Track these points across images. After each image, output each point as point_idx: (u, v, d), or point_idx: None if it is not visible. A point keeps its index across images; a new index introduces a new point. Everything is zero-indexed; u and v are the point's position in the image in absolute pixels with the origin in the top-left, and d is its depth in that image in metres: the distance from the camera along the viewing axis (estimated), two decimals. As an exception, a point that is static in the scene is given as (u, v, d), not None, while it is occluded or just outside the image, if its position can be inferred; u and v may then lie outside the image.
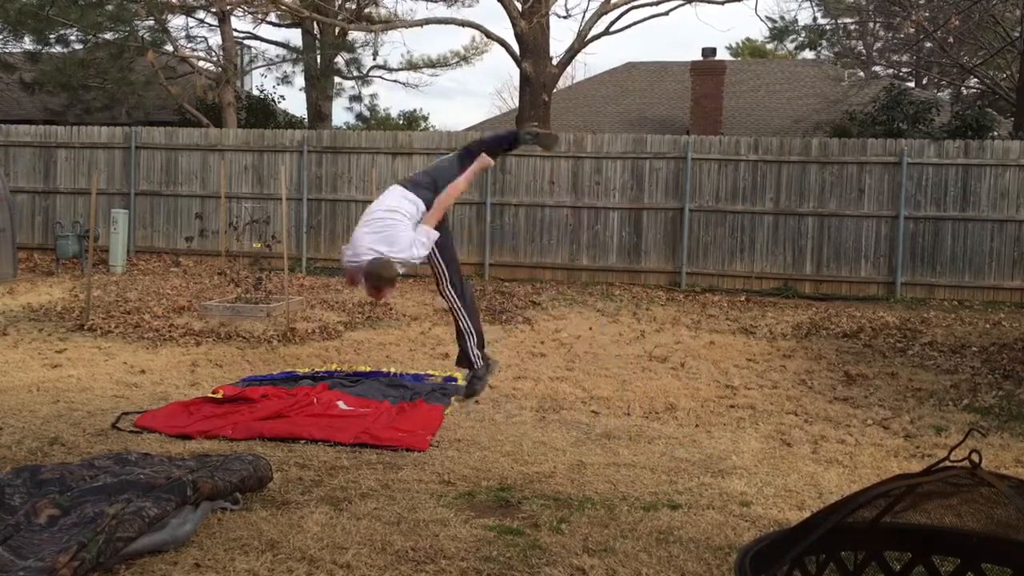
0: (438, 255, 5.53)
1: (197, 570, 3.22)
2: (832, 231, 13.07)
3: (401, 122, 36.14)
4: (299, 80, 21.35)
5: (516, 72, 17.08)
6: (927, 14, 17.62)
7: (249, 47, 21.74)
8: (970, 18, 16.99)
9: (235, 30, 19.46)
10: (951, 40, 18.25)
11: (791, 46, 24.99)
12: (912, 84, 24.63)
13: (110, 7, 17.04)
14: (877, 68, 23.06)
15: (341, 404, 5.79)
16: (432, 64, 23.24)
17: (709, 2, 16.94)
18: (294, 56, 20.79)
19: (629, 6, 16.63)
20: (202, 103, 19.42)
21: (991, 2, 16.71)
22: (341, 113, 78.32)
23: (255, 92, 23.92)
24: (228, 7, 17.45)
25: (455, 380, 6.78)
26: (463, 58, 23.01)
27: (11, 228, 12.24)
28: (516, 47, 16.45)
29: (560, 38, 77.35)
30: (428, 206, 5.46)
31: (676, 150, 13.40)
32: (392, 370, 7.06)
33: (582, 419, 5.74)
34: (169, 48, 18.53)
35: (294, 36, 28.98)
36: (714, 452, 5.04)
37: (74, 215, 14.50)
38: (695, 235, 13.34)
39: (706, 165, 13.30)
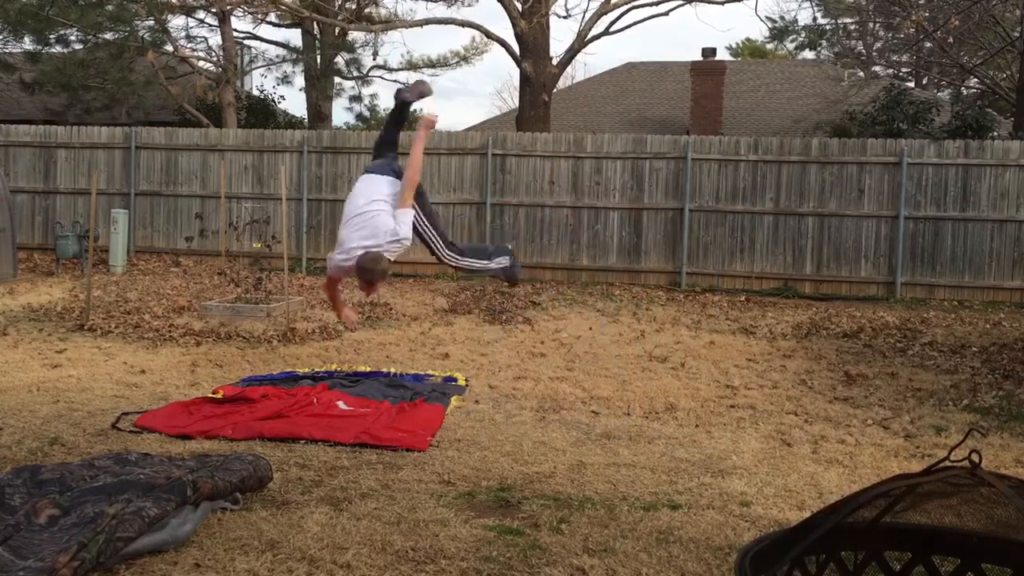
0: (425, 223, 5.59)
1: (197, 570, 3.22)
2: (832, 231, 13.07)
3: (401, 122, 36.08)
4: (299, 80, 21.36)
5: (516, 72, 17.09)
6: (927, 14, 17.61)
7: (249, 47, 21.75)
8: (970, 18, 17.00)
9: (235, 30, 19.46)
10: (951, 40, 18.24)
11: (791, 46, 25.00)
12: (912, 84, 24.64)
13: (110, 7, 17.04)
14: (877, 68, 23.07)
15: (341, 404, 5.79)
16: (432, 64, 23.24)
17: (709, 2, 16.95)
18: (294, 56, 20.79)
19: (629, 6, 16.63)
20: (202, 103, 19.42)
21: (991, 2, 16.71)
22: (341, 113, 78.36)
23: (255, 92, 23.92)
24: (228, 7, 17.44)
25: (455, 380, 6.79)
26: (463, 58, 23.01)
27: (11, 228, 12.24)
28: (516, 47, 16.46)
29: (560, 38, 77.40)
30: (400, 175, 5.57)
31: (676, 150, 13.40)
32: (392, 370, 7.06)
33: (582, 419, 5.74)
34: (169, 48, 18.53)
35: (294, 36, 28.96)
36: (714, 452, 5.04)
37: (74, 215, 14.50)
38: (695, 235, 13.34)
39: (706, 165, 13.30)
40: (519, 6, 16.09)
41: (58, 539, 3.19)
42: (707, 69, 21.37)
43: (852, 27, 22.46)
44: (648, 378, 7.09)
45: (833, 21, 22.31)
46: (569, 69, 24.49)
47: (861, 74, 22.81)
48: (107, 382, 6.48)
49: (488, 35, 17.21)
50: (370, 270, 5.30)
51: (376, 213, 5.45)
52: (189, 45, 19.42)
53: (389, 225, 5.37)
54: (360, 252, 5.28)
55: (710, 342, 8.87)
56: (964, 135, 15.81)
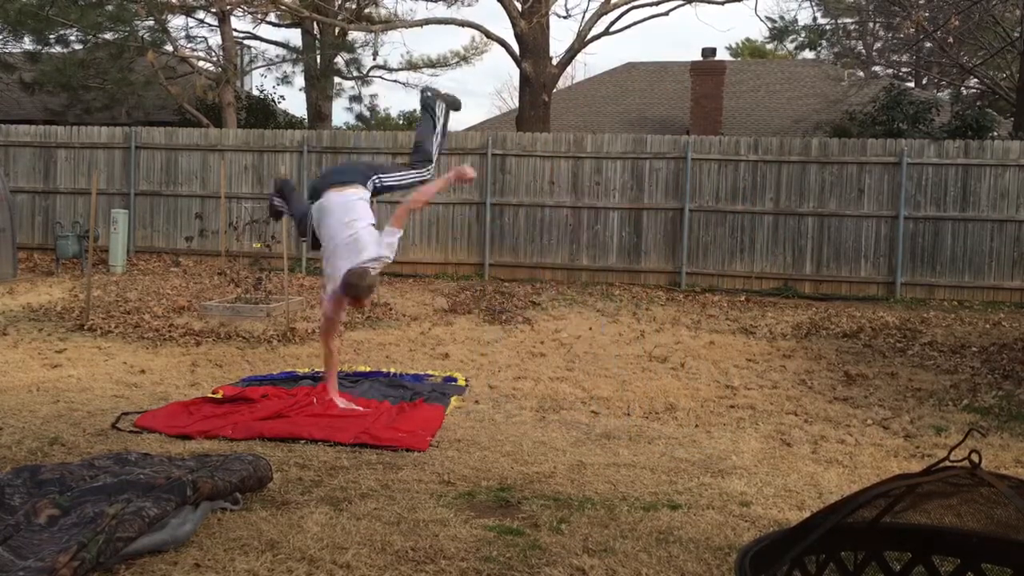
0: (389, 190, 6.07)
1: (197, 570, 3.22)
2: (832, 231, 13.07)
3: (401, 122, 36.16)
4: (299, 80, 21.36)
5: (516, 72, 17.08)
6: (927, 14, 17.61)
7: (249, 47, 21.75)
8: (970, 18, 17.00)
9: (235, 30, 19.46)
10: (951, 40, 18.24)
11: (791, 46, 25.00)
12: (912, 84, 24.64)
13: (110, 7, 17.04)
14: (877, 68, 23.07)
15: (341, 404, 5.78)
16: (432, 64, 23.24)
17: (709, 2, 16.96)
18: (294, 56, 20.79)
19: (629, 6, 16.64)
20: (202, 103, 19.42)
21: (991, 2, 16.71)
22: (341, 113, 78.34)
23: (255, 92, 23.92)
24: (228, 7, 17.44)
25: (455, 380, 6.78)
26: (463, 58, 23.02)
27: (11, 228, 12.24)
28: (516, 47, 16.46)
29: (560, 38, 77.41)
30: (365, 181, 5.69)
31: (676, 150, 13.40)
32: (392, 370, 7.06)
33: (582, 419, 5.74)
34: (169, 48, 18.53)
35: (294, 36, 28.95)
36: (714, 452, 5.04)
37: (74, 215, 14.50)
38: (695, 235, 13.34)
39: (706, 165, 13.30)
40: (519, 6, 16.09)
41: (58, 539, 3.19)
42: (707, 69, 21.38)
43: (852, 27, 22.46)
44: (648, 378, 7.09)
45: (833, 21, 22.31)
46: (569, 69, 24.50)
47: (861, 74, 22.81)
48: (107, 382, 6.48)
49: (488, 35, 17.21)
50: (355, 285, 5.48)
51: (358, 231, 5.70)
52: (189, 45, 19.44)
53: (373, 239, 5.69)
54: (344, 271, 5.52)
55: (710, 342, 8.87)
56: (964, 135, 15.81)
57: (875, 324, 10.15)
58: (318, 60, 20.53)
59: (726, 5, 17.04)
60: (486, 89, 79.80)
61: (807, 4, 32.13)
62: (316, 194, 5.91)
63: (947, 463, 2.02)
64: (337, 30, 19.64)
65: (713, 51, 22.33)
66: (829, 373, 7.53)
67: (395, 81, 25.12)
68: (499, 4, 16.17)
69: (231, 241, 13.50)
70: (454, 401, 6.08)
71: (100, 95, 18.04)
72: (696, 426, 5.67)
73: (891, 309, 11.62)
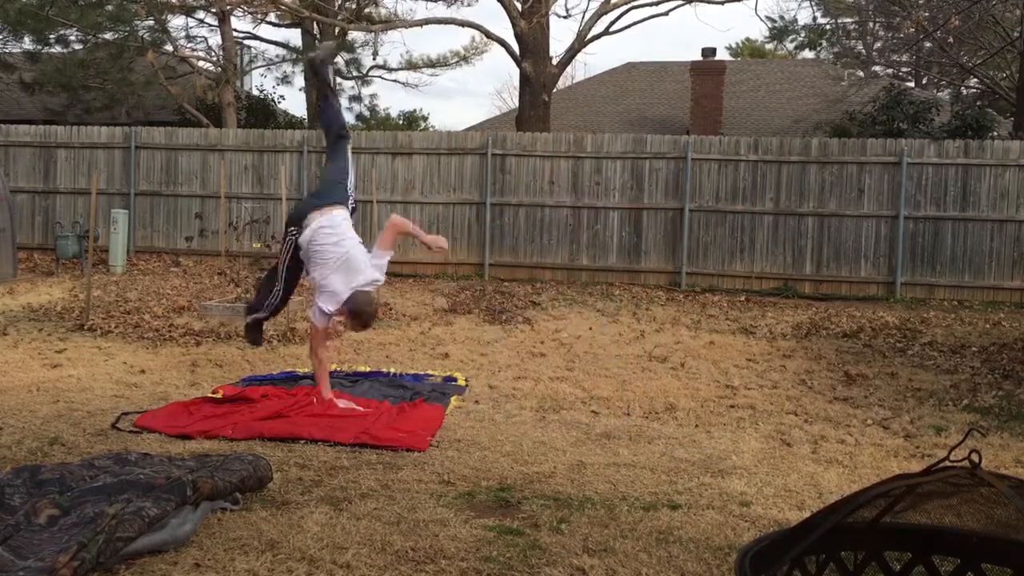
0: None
1: (197, 570, 3.22)
2: (832, 231, 13.07)
3: (401, 122, 36.13)
4: (299, 80, 21.39)
5: (516, 72, 17.08)
6: (927, 14, 17.61)
7: (249, 47, 21.78)
8: (970, 18, 17.00)
9: (235, 30, 19.48)
10: (951, 40, 18.25)
11: (791, 46, 25.02)
12: (912, 84, 24.64)
13: (110, 7, 17.05)
14: (877, 68, 23.07)
15: (341, 404, 5.79)
16: (432, 64, 23.26)
17: (709, 2, 16.96)
18: (294, 56, 20.80)
19: (629, 6, 16.64)
20: (202, 103, 19.43)
21: (991, 2, 16.72)
22: (341, 113, 78.16)
23: (255, 92, 23.93)
24: (228, 7, 17.45)
25: (455, 380, 6.78)
26: (463, 58, 23.04)
27: (11, 228, 12.24)
28: (516, 47, 16.46)
29: (560, 38, 77.41)
30: (346, 201, 5.99)
31: (676, 150, 13.40)
32: (392, 370, 7.06)
33: (582, 419, 5.74)
34: (169, 48, 18.54)
35: (294, 36, 28.94)
36: (714, 452, 5.04)
37: (74, 215, 14.50)
38: (695, 235, 13.35)
39: (706, 165, 13.31)
40: (519, 6, 16.10)
41: (58, 539, 3.19)
42: (707, 69, 21.38)
43: (852, 27, 22.46)
44: (648, 378, 7.09)
45: (833, 21, 22.32)
46: (569, 69, 24.52)
47: (861, 74, 22.81)
48: (107, 382, 6.48)
49: (488, 35, 17.21)
50: (364, 312, 5.66)
51: (349, 249, 5.83)
52: (189, 45, 19.46)
53: (365, 258, 5.83)
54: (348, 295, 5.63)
55: (710, 342, 8.87)
56: (964, 135, 15.81)
57: (875, 324, 10.15)
58: (318, 60, 20.49)
59: (726, 5, 17.05)
60: (486, 89, 79.84)
61: (807, 4, 32.14)
62: (300, 218, 5.93)
63: (947, 463, 2.02)
64: (337, 30, 19.64)
65: (713, 51, 22.33)
66: (829, 373, 7.53)
67: (395, 81, 25.14)
68: (499, 4, 16.17)
69: (231, 241, 13.50)
70: (454, 401, 6.08)
71: (100, 95, 18.05)
72: (696, 426, 5.66)
73: (891, 309, 11.62)
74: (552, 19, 17.29)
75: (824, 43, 22.92)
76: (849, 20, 22.28)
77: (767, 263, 13.22)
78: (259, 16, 18.48)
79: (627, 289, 12.79)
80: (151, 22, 17.69)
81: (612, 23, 16.87)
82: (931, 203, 12.85)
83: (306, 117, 22.16)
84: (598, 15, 16.59)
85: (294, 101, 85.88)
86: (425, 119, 38.38)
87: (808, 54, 25.38)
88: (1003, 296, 12.69)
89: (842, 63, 22.34)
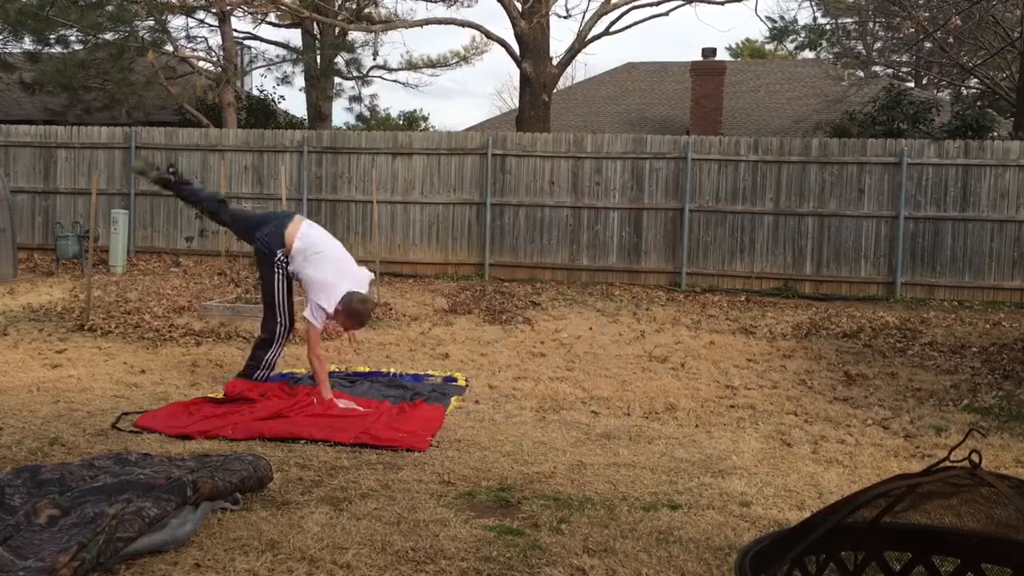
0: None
1: (197, 570, 3.22)
2: (832, 231, 13.07)
3: (401, 122, 36.14)
4: (299, 80, 21.38)
5: (516, 72, 17.09)
6: (927, 14, 17.61)
7: (249, 47, 21.77)
8: (970, 18, 17.00)
9: (235, 30, 19.47)
10: (951, 40, 18.24)
11: (791, 46, 25.03)
12: (912, 84, 24.64)
13: (110, 7, 17.05)
14: (877, 68, 23.07)
15: (341, 404, 5.79)
16: (432, 64, 23.25)
17: (709, 2, 16.97)
18: (294, 56, 20.80)
19: (629, 6, 16.65)
20: (202, 103, 19.43)
21: (991, 2, 16.72)
22: (341, 113, 78.44)
23: (255, 92, 23.93)
24: (228, 7, 17.45)
25: (455, 380, 6.78)
26: (463, 58, 23.03)
27: (11, 228, 12.24)
28: (516, 47, 16.46)
29: (560, 38, 77.43)
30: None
31: (676, 150, 13.40)
32: (392, 370, 7.06)
33: (582, 419, 5.74)
34: (169, 48, 18.53)
35: (294, 36, 28.99)
36: (714, 452, 5.04)
37: (74, 215, 14.50)
38: (695, 235, 13.35)
39: (706, 165, 13.30)
40: (519, 6, 16.10)
41: (58, 539, 3.19)
42: (707, 69, 21.38)
43: (852, 27, 22.46)
44: (648, 378, 7.09)
45: (833, 21, 22.32)
46: (569, 69, 24.53)
47: (861, 74, 22.81)
48: (107, 382, 6.48)
49: (488, 35, 17.22)
50: (360, 311, 5.91)
51: (345, 253, 6.30)
52: (189, 45, 19.45)
53: (361, 275, 6.16)
54: (343, 294, 5.88)
55: (710, 342, 8.87)
56: (964, 135, 15.82)
57: (875, 324, 10.15)
58: (318, 60, 20.54)
59: (726, 5, 17.06)
60: (486, 89, 79.85)
61: (807, 4, 32.15)
62: (279, 240, 6.11)
63: (947, 463, 2.02)
64: (337, 30, 19.65)
65: (713, 51, 22.33)
66: (829, 373, 7.53)
67: (395, 81, 25.14)
68: (499, 4, 16.18)
69: (231, 241, 13.50)
70: (454, 401, 6.08)
71: (100, 95, 18.04)
72: (696, 426, 5.67)
73: (891, 309, 11.62)
74: (552, 19, 17.30)
75: (824, 43, 22.93)
76: (849, 20, 22.28)
77: (767, 263, 13.22)
78: (259, 16, 18.49)
79: (627, 289, 12.79)
80: (151, 22, 17.68)
81: (612, 23, 16.89)
82: (931, 203, 12.85)
83: (306, 117, 22.15)
84: (598, 15, 16.59)
85: (294, 101, 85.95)
86: (425, 119, 38.39)
87: (808, 54, 25.40)
88: (1003, 296, 12.69)
89: (842, 63, 22.34)
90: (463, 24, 17.06)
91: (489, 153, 13.66)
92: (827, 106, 20.89)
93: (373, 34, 20.45)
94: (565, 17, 21.91)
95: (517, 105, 18.30)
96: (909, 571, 2.30)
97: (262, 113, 22.59)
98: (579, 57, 23.37)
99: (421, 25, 17.19)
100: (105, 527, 3.19)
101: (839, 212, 13.01)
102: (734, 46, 36.54)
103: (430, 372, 7.08)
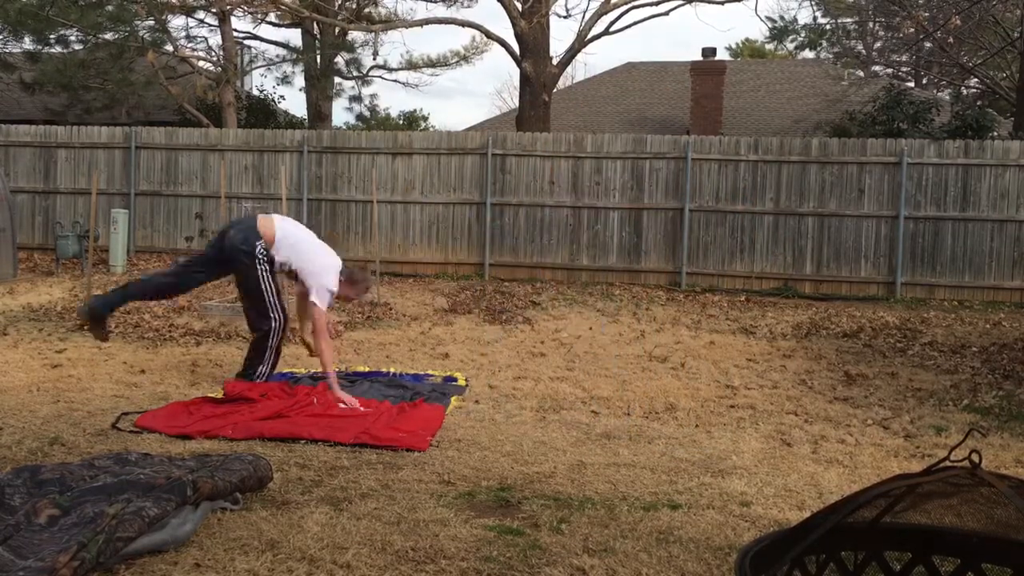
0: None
1: (197, 570, 3.22)
2: (832, 231, 13.07)
3: (401, 122, 36.15)
4: (299, 80, 21.39)
5: (516, 72, 17.09)
6: (927, 14, 17.61)
7: (249, 47, 21.77)
8: (970, 18, 17.00)
9: (235, 30, 19.47)
10: (951, 40, 18.25)
11: (791, 46, 25.03)
12: (912, 84, 24.64)
13: (110, 7, 17.05)
14: (877, 68, 23.07)
15: (341, 404, 5.79)
16: (432, 64, 23.26)
17: (709, 2, 16.98)
18: (294, 56, 20.80)
19: (629, 6, 16.65)
20: (202, 103, 19.43)
21: (991, 2, 16.72)
22: (341, 113, 78.44)
23: (255, 92, 23.94)
24: (228, 7, 17.45)
25: (455, 380, 6.78)
26: (463, 58, 23.03)
27: (11, 228, 12.24)
28: (516, 47, 16.46)
29: (560, 38, 77.41)
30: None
31: (676, 150, 13.40)
32: (392, 370, 7.06)
33: (582, 419, 5.74)
34: (169, 48, 18.54)
35: (294, 36, 28.99)
36: (714, 452, 5.04)
37: (74, 215, 14.50)
38: (695, 235, 13.35)
39: (706, 165, 13.30)
40: (519, 6, 16.10)
41: (58, 539, 3.19)
42: (707, 69, 21.38)
43: (852, 27, 22.46)
44: (648, 378, 7.09)
45: (833, 21, 22.32)
46: (569, 69, 24.53)
47: (861, 74, 22.81)
48: (107, 382, 6.48)
49: (488, 35, 17.22)
50: (363, 277, 6.34)
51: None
52: (189, 45, 19.46)
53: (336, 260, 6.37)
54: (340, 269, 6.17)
55: (710, 342, 8.87)
56: (964, 135, 15.81)
57: (875, 324, 10.15)
58: (318, 60, 20.54)
59: (726, 5, 17.07)
60: (486, 89, 79.87)
61: (807, 4, 32.16)
62: (255, 236, 6.15)
63: (947, 463, 2.02)
64: (337, 30, 19.65)
65: (713, 51, 22.33)
66: (829, 373, 7.53)
67: (395, 81, 25.16)
68: (499, 4, 16.18)
69: (231, 241, 13.49)
70: (454, 401, 6.08)
71: (100, 95, 18.04)
72: (696, 426, 5.67)
73: (891, 309, 11.62)
74: (552, 19, 17.31)
75: (824, 43, 22.93)
76: (849, 20, 22.28)
77: (767, 263, 13.22)
78: (259, 16, 18.50)
79: (627, 289, 12.79)
80: (151, 22, 17.69)
81: (612, 23, 16.89)
82: (931, 203, 12.85)
83: (306, 117, 22.15)
84: (598, 15, 16.59)
85: (294, 101, 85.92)
86: (425, 119, 38.41)
87: (808, 54, 25.40)
88: (1003, 296, 12.69)
89: (842, 63, 22.35)
90: (463, 24, 17.06)
91: (489, 153, 13.66)
92: (827, 106, 20.88)
93: (373, 34, 20.46)
94: (565, 17, 21.93)
95: (517, 105, 18.30)
96: (909, 571, 2.30)
97: (262, 113, 22.59)
98: (579, 57, 23.40)
99: (421, 25, 17.20)
100: (105, 527, 3.19)
101: (839, 212, 13.01)
102: (734, 46, 36.56)
103: (430, 372, 7.08)
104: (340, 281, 6.12)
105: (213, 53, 19.46)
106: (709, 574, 3.33)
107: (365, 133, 14.75)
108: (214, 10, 18.13)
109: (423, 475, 4.44)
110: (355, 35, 20.63)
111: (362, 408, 5.73)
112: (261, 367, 6.24)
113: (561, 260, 13.64)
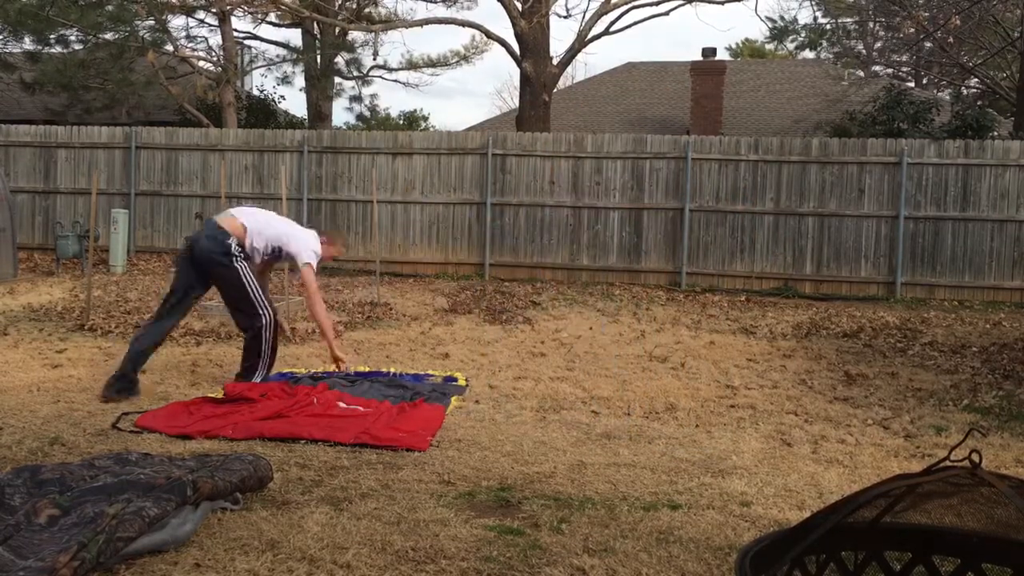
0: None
1: (197, 570, 3.22)
2: (832, 231, 13.07)
3: (401, 122, 36.15)
4: (299, 80, 21.39)
5: (516, 72, 17.10)
6: (927, 14, 17.61)
7: (249, 47, 21.78)
8: (970, 18, 17.00)
9: (235, 30, 19.48)
10: (951, 40, 18.25)
11: (791, 46, 25.04)
12: (912, 84, 24.64)
13: (110, 7, 17.06)
14: (877, 68, 23.08)
15: (341, 404, 5.78)
16: (432, 64, 23.27)
17: (709, 2, 16.99)
18: (294, 56, 20.81)
19: (629, 6, 16.65)
20: (202, 103, 19.43)
21: (991, 2, 16.71)
22: (341, 113, 78.42)
23: (255, 92, 23.94)
24: (228, 7, 17.46)
25: (455, 380, 6.78)
26: (463, 58, 23.04)
27: (11, 228, 12.24)
28: (516, 47, 16.46)
29: (560, 38, 77.44)
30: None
31: (676, 150, 13.40)
32: (392, 370, 7.06)
33: (582, 419, 5.74)
34: (169, 48, 18.54)
35: (294, 36, 29.00)
36: (714, 452, 5.04)
37: (74, 215, 14.50)
38: (695, 235, 13.35)
39: (706, 165, 13.31)
40: (519, 6, 16.10)
41: (58, 539, 3.19)
42: (707, 69, 21.39)
43: (852, 27, 22.46)
44: (648, 378, 7.09)
45: (833, 21, 22.32)
46: (569, 69, 24.53)
47: (861, 74, 22.81)
48: (107, 382, 6.47)
49: (488, 35, 17.22)
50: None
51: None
52: (189, 45, 19.47)
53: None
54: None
55: (710, 342, 8.87)
56: (964, 135, 15.81)
57: (875, 324, 10.15)
58: (318, 60, 20.54)
59: (726, 5, 17.08)
60: (486, 89, 79.89)
61: (807, 4, 32.16)
62: (224, 236, 6.14)
63: (947, 463, 2.02)
64: (337, 30, 19.65)
65: (713, 51, 22.33)
66: (829, 373, 7.52)
67: (395, 81, 25.15)
68: (499, 4, 16.18)
69: (231, 241, 13.49)
70: (454, 401, 6.08)
71: (100, 95, 18.05)
72: (696, 426, 5.66)
73: (891, 309, 11.62)
74: (552, 19, 17.31)
75: (824, 43, 22.93)
76: (849, 20, 22.28)
77: (767, 263, 13.22)
78: (259, 16, 18.50)
79: (627, 289, 12.79)
80: (151, 22, 17.69)
81: (612, 23, 16.90)
82: (931, 203, 12.85)
83: (306, 117, 22.15)
84: (598, 15, 16.60)
85: (294, 101, 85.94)
86: (425, 119, 38.42)
87: (808, 54, 25.40)
88: (1003, 296, 12.69)
89: (842, 63, 22.35)
90: (463, 24, 17.06)
91: (489, 153, 13.66)
92: (827, 106, 20.88)
93: (373, 34, 20.46)
94: (565, 17, 21.93)
95: (517, 105, 18.30)
96: (909, 571, 2.30)
97: (262, 113, 22.59)
98: (579, 57, 23.40)
99: (421, 25, 17.20)
100: (105, 527, 3.19)
101: (839, 212, 13.01)
102: (734, 46, 36.57)
103: (430, 372, 7.08)
104: (322, 243, 6.38)
105: (213, 53, 19.47)
106: (709, 574, 3.33)
107: (365, 133, 14.75)
108: (214, 10, 18.13)
109: (423, 475, 4.44)
110: (355, 35, 20.63)
111: (362, 408, 5.73)
112: (260, 367, 6.25)
113: (561, 260, 13.64)
